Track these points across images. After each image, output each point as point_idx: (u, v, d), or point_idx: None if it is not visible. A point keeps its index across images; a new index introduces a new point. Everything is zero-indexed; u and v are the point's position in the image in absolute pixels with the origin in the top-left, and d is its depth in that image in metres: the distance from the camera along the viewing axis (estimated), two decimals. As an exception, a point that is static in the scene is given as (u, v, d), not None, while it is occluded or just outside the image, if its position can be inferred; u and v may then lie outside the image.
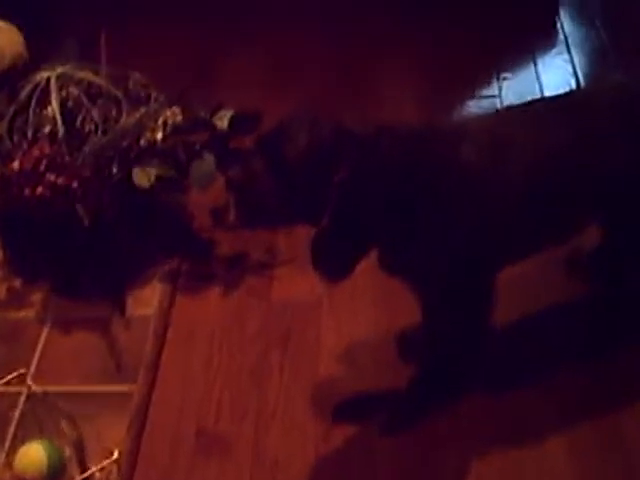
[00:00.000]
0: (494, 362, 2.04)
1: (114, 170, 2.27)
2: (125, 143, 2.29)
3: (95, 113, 2.31)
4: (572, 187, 1.84)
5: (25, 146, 2.24)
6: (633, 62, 2.85)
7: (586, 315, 2.14)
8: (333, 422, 2.02)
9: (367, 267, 1.82)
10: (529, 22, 3.19)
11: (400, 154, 1.74)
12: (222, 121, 2.38)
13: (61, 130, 2.27)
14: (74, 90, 2.33)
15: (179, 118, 2.33)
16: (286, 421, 2.04)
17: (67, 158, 2.24)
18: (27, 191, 2.18)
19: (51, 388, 2.09)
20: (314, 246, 1.77)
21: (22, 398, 2.08)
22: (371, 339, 2.18)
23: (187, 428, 2.04)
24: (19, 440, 1.99)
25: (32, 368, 2.16)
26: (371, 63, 3.08)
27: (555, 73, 2.98)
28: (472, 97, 2.94)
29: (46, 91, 2.31)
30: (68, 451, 1.97)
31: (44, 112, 2.30)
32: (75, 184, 2.21)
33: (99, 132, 2.29)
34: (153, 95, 2.37)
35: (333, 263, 1.79)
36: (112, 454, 1.94)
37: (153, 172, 2.27)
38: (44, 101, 2.31)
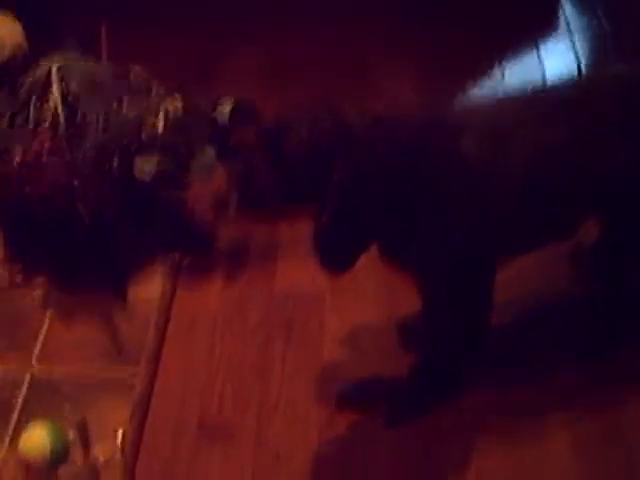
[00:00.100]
0: (496, 357, 2.04)
1: (115, 163, 2.26)
2: (126, 136, 2.28)
3: (96, 106, 2.30)
4: (573, 180, 1.84)
5: (26, 139, 2.24)
6: (635, 49, 2.83)
7: (587, 310, 2.15)
8: (336, 411, 2.02)
9: (369, 257, 1.83)
10: (531, 9, 3.17)
11: (400, 148, 1.74)
12: (222, 113, 2.38)
13: (62, 123, 2.27)
14: (75, 82, 2.31)
15: (180, 106, 2.32)
16: (289, 411, 2.04)
17: (68, 155, 2.24)
18: (27, 188, 2.18)
19: (54, 372, 2.11)
20: (315, 240, 1.77)
21: (26, 382, 2.10)
22: (373, 328, 2.18)
23: (189, 418, 2.05)
24: (23, 424, 2.00)
25: (35, 353, 2.17)
26: (371, 61, 3.06)
27: (557, 60, 2.97)
28: (474, 85, 2.93)
29: (47, 83, 2.30)
30: (71, 434, 1.98)
31: (45, 104, 2.28)
32: (76, 182, 2.21)
33: (100, 125, 2.28)
34: (154, 87, 2.36)
35: (334, 257, 1.79)
36: (115, 437, 1.96)
37: (154, 165, 2.27)
38: (45, 93, 2.30)
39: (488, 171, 1.79)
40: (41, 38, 2.58)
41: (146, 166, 2.27)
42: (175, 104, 2.33)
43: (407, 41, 3.14)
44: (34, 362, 2.15)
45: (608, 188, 1.89)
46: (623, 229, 2.03)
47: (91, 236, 2.26)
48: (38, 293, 2.32)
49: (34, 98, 2.29)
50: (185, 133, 2.32)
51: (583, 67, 2.91)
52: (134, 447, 2.00)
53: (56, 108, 2.28)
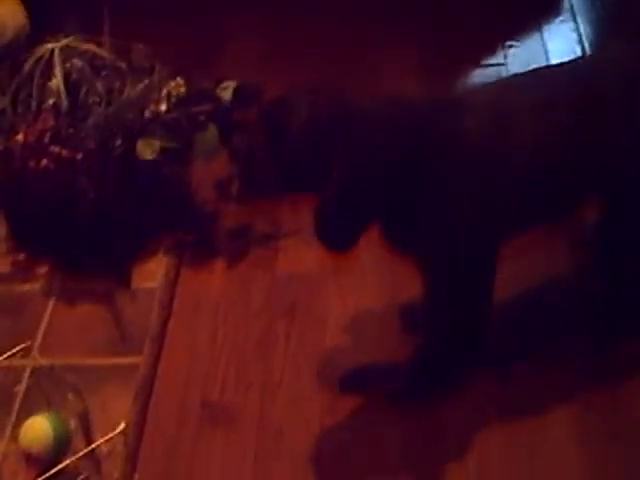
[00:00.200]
0: (497, 349, 2.03)
1: (118, 143, 2.27)
2: (129, 115, 2.29)
3: (99, 85, 2.31)
4: (575, 161, 1.84)
5: (29, 119, 2.24)
6: (638, 30, 2.79)
7: (589, 304, 2.14)
8: (339, 393, 2.02)
9: (372, 238, 1.83)
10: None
11: (401, 129, 1.74)
12: (226, 93, 2.38)
13: (65, 103, 2.27)
14: (78, 62, 2.32)
15: (183, 89, 2.33)
16: (292, 392, 2.04)
17: (71, 131, 2.24)
18: (31, 164, 2.18)
19: (57, 361, 2.08)
20: (317, 217, 1.77)
21: (27, 371, 2.08)
22: (377, 312, 2.18)
23: (193, 399, 2.05)
24: (25, 413, 1.98)
25: (37, 341, 2.16)
26: (371, 40, 3.05)
27: (561, 41, 2.96)
28: (477, 66, 2.92)
29: (49, 63, 2.31)
30: (74, 423, 1.97)
31: (48, 85, 2.29)
32: (79, 156, 2.21)
33: (103, 104, 2.28)
34: (157, 67, 2.36)
35: (336, 234, 1.79)
36: (118, 426, 1.94)
37: (157, 144, 2.27)
38: (48, 74, 2.30)
39: (490, 152, 1.78)
40: (44, 19, 2.57)
41: (149, 146, 2.27)
42: (178, 83, 2.33)
43: (408, 11, 3.14)
44: (35, 351, 2.13)
45: (609, 170, 1.89)
46: (624, 216, 2.01)
47: (94, 217, 2.26)
48: (40, 281, 2.31)
49: (37, 77, 2.29)
50: (188, 113, 2.32)
51: (587, 50, 2.89)
52: (138, 428, 1.99)
53: (59, 89, 2.28)
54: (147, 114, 2.30)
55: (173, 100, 2.32)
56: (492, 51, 2.96)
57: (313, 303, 2.22)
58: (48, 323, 2.21)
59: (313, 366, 2.09)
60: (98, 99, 2.29)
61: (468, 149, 1.77)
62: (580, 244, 2.20)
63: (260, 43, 3.07)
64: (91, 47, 2.36)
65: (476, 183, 1.78)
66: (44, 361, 2.08)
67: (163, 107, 2.31)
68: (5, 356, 2.09)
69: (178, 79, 2.34)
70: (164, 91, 2.33)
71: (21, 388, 2.05)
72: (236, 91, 2.39)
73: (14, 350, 2.10)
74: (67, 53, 2.33)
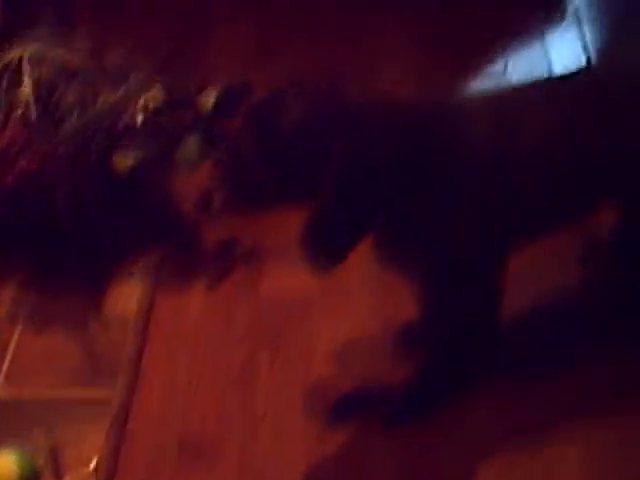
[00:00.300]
0: (498, 361, 2.00)
1: (92, 155, 2.17)
2: (103, 126, 2.19)
3: (70, 94, 2.22)
4: (579, 163, 1.82)
5: (-4, 130, 2.18)
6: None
7: (600, 308, 2.11)
8: (327, 427, 1.96)
9: (360, 261, 1.77)
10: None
11: (401, 123, 1.70)
12: (207, 99, 2.30)
13: (34, 113, 2.18)
14: (47, 71, 2.24)
15: (161, 97, 2.27)
16: (276, 426, 1.97)
17: (41, 143, 2.15)
18: (-2, 178, 2.12)
19: (24, 393, 2.06)
20: (310, 226, 1.70)
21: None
22: (368, 333, 2.13)
23: (169, 435, 1.98)
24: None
25: (3, 371, 2.11)
26: (369, 34, 3.03)
27: (564, 49, 2.92)
28: (477, 73, 2.89)
29: (18, 71, 2.22)
30: (41, 460, 1.91)
31: (16, 92, 2.19)
32: (50, 171, 2.12)
33: (75, 114, 2.19)
34: (133, 73, 2.28)
35: (329, 245, 1.72)
36: (89, 463, 1.90)
37: (134, 156, 2.19)
38: (16, 81, 2.21)
39: (492, 152, 1.75)
40: (17, 13, 2.49)
41: (125, 158, 2.18)
42: (155, 92, 2.25)
43: (408, 13, 3.09)
44: (1, 381, 2.08)
45: (619, 174, 1.87)
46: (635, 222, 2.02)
47: (67, 232, 2.16)
48: (6, 307, 2.22)
49: (4, 86, 2.20)
50: (166, 123, 2.24)
51: (592, 58, 2.84)
52: (109, 468, 1.92)
53: (28, 99, 2.19)
54: (122, 124, 2.21)
55: (151, 109, 2.24)
56: (493, 59, 2.92)
57: (299, 327, 2.16)
58: (14, 352, 2.15)
59: (299, 396, 2.03)
60: (70, 109, 2.20)
61: (472, 150, 1.74)
62: (590, 258, 2.17)
63: (249, 34, 3.05)
64: (62, 53, 2.28)
65: (479, 184, 1.75)
66: (9, 393, 2.05)
67: (140, 116, 2.23)
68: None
69: (155, 89, 2.26)
70: (141, 99, 2.25)
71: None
72: (219, 97, 2.31)
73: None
74: (36, 60, 2.24)
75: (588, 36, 2.92)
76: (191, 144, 2.23)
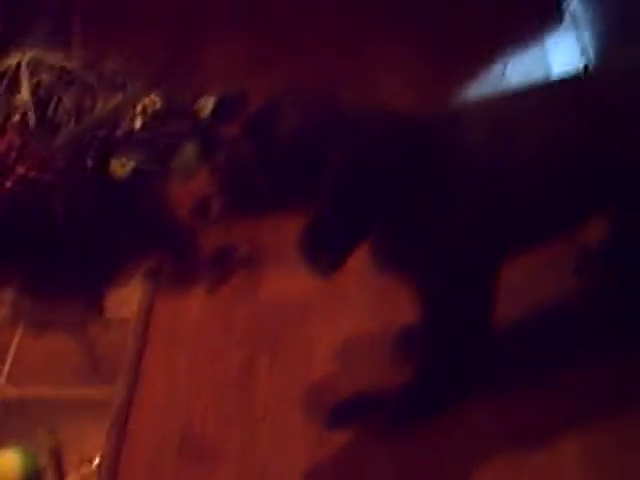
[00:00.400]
0: (497, 365, 1.99)
1: (89, 162, 2.19)
2: (101, 133, 2.22)
3: (68, 101, 2.24)
4: (576, 171, 1.81)
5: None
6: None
7: (596, 315, 2.10)
8: (326, 430, 1.94)
9: (358, 266, 1.76)
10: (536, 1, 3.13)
11: (400, 136, 1.69)
12: (205, 107, 2.32)
13: (32, 119, 2.21)
14: (46, 77, 2.26)
15: (158, 105, 2.29)
16: (276, 428, 1.96)
17: (39, 149, 2.18)
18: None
19: (26, 393, 2.05)
20: (308, 232, 1.69)
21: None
22: (367, 337, 2.12)
23: (170, 437, 1.97)
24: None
25: (5, 372, 2.10)
26: (368, 45, 3.01)
27: (563, 52, 2.91)
28: (476, 80, 2.88)
29: (16, 77, 2.25)
30: (44, 459, 1.90)
31: (14, 98, 2.23)
32: (47, 177, 2.15)
33: (72, 121, 2.22)
34: (130, 81, 2.31)
35: (327, 250, 1.71)
36: (92, 461, 1.90)
37: (131, 163, 2.21)
38: (14, 87, 2.25)
39: (490, 159, 1.75)
40: (13, 24, 2.50)
41: (122, 166, 2.20)
42: (153, 99, 2.27)
43: (407, 18, 3.09)
44: (3, 382, 2.07)
45: (615, 181, 1.86)
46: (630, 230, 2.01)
47: (63, 241, 2.18)
48: (7, 308, 2.24)
49: (1, 92, 2.24)
50: (164, 130, 2.26)
51: (591, 61, 2.84)
52: (112, 466, 1.92)
53: (25, 105, 2.22)
54: (120, 131, 2.24)
55: (148, 116, 2.26)
56: (492, 63, 2.92)
57: (298, 331, 2.15)
58: (16, 353, 2.14)
59: (299, 398, 2.02)
60: (67, 115, 2.23)
61: (469, 157, 1.74)
62: (585, 267, 2.16)
63: (245, 41, 3.03)
64: (60, 60, 2.31)
65: (476, 192, 1.74)
66: (12, 393, 2.05)
67: (137, 124, 2.25)
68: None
69: (153, 95, 2.29)
70: (138, 107, 2.27)
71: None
72: (216, 105, 2.33)
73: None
74: (34, 66, 2.27)
75: (586, 41, 2.92)
76: (189, 151, 2.25)
